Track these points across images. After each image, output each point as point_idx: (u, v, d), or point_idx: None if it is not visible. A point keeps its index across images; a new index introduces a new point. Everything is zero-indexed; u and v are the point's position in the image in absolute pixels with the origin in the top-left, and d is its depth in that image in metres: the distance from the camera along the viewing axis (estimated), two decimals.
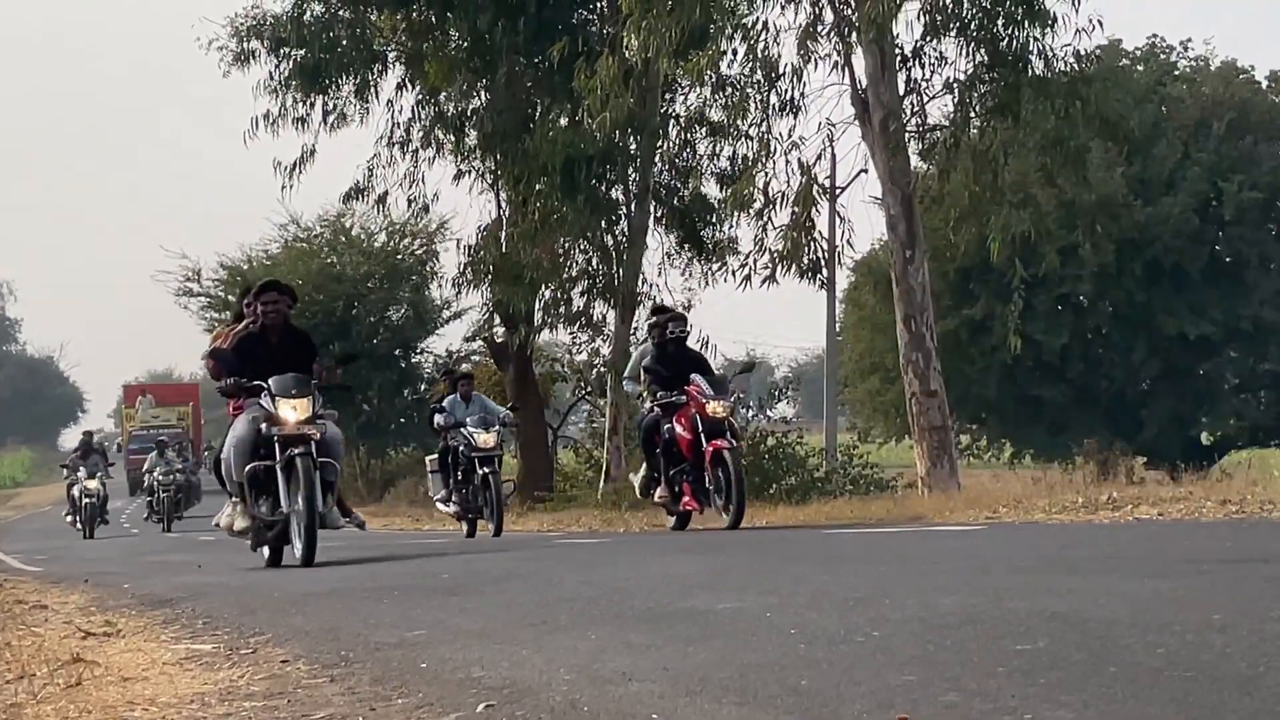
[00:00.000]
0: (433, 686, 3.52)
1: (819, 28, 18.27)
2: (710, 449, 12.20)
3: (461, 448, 16.36)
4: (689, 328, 13.67)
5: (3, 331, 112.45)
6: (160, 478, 30.43)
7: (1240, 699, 2.44)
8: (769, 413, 31.26)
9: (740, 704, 2.82)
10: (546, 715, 2.95)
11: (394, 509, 31.76)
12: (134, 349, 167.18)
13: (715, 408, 12.32)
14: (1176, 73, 42.24)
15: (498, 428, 16.46)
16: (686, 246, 25.92)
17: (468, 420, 16.31)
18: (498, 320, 28.61)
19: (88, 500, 26.71)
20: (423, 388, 42.96)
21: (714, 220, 25.64)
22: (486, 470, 16.10)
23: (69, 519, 27.84)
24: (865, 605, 4.13)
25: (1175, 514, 9.48)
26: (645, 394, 13.32)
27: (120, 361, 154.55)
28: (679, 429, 12.57)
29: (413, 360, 44.02)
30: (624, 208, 25.51)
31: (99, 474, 27.16)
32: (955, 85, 18.50)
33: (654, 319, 13.78)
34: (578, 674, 3.40)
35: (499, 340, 28.97)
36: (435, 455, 17.45)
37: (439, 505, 17.55)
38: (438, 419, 16.83)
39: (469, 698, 3.27)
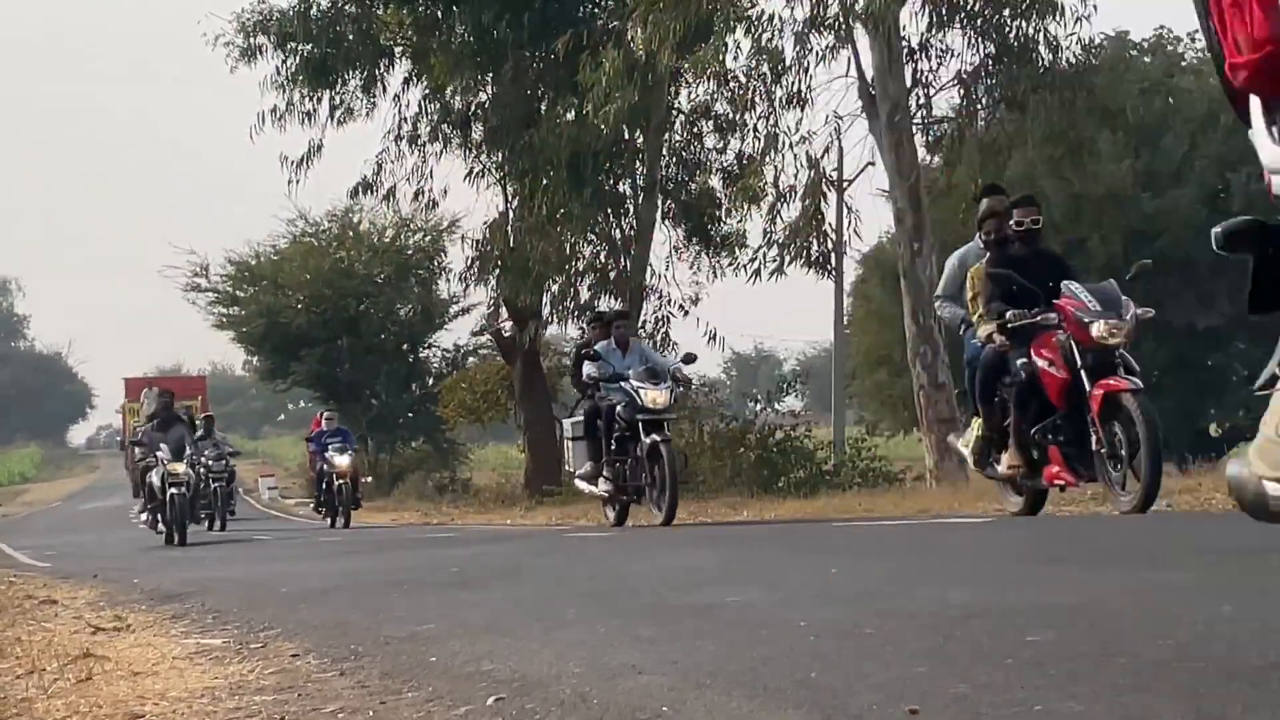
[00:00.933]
0: (442, 680, 3.53)
1: (821, 20, 18.31)
2: (1098, 393, 8.29)
3: (620, 408, 12.53)
4: (1041, 217, 9.31)
5: (11, 328, 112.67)
6: (211, 463, 23.02)
7: (1249, 691, 2.44)
8: (776, 406, 31.24)
9: (750, 697, 2.82)
10: (556, 708, 2.95)
11: (403, 504, 31.77)
12: (142, 344, 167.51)
13: (1103, 330, 8.46)
14: (1184, 64, 42.17)
15: (669, 383, 12.49)
16: (694, 240, 25.95)
17: (629, 372, 12.58)
18: (505, 314, 28.64)
19: (174, 491, 17.37)
20: (430, 381, 43.02)
21: (721, 214, 25.67)
22: (656, 438, 12.19)
23: (143, 518, 19.63)
24: (874, 598, 4.13)
25: (1184, 505, 9.48)
26: (977, 318, 9.25)
27: (128, 357, 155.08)
28: (1042, 363, 8.64)
29: (420, 355, 44.09)
30: (631, 201, 25.51)
31: (188, 454, 18.15)
32: (963, 76, 18.53)
33: (987, 206, 9.51)
34: (586, 667, 3.41)
35: (507, 334, 28.98)
36: (578, 419, 13.61)
37: (581, 484, 13.61)
38: (588, 369, 12.89)
39: (479, 691, 3.27)
